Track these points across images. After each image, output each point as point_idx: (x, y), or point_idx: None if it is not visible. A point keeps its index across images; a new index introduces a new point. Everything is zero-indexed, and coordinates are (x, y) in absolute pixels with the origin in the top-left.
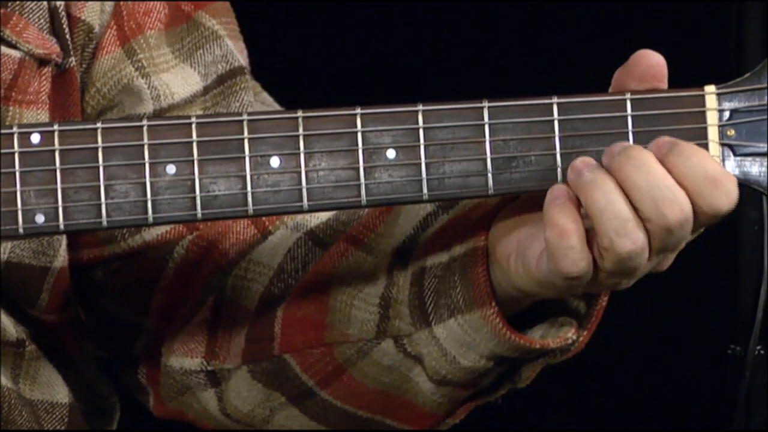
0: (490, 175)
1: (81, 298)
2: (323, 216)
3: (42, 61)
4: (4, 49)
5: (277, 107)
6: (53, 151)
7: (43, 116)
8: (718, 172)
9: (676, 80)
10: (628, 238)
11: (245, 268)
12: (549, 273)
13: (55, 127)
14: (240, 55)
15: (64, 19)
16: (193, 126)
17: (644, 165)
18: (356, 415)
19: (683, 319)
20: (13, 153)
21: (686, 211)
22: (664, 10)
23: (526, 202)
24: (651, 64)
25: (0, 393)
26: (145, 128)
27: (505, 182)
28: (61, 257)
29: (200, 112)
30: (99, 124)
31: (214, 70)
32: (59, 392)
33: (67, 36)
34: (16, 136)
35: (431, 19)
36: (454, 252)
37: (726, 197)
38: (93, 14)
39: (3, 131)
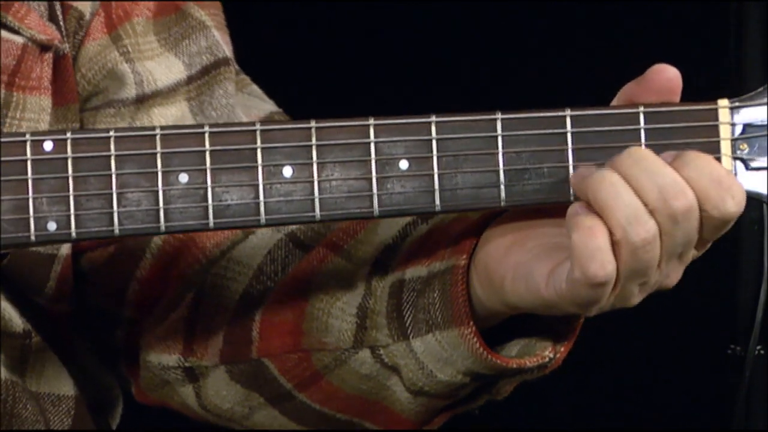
0: (502, 186)
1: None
2: None
3: (43, 47)
4: (7, 35)
5: (266, 98)
6: (66, 158)
7: (46, 102)
8: (723, 173)
9: None
10: (640, 226)
11: (225, 266)
12: (567, 288)
13: (68, 134)
14: (226, 47)
15: (58, 6)
16: (206, 135)
17: (644, 158)
18: (335, 417)
19: (683, 319)
20: (26, 160)
21: (690, 198)
22: (664, 10)
23: (520, 226)
24: (669, 77)
25: (6, 387)
26: (158, 137)
27: (518, 194)
28: (67, 244)
29: (184, 102)
30: (112, 133)
31: (199, 61)
32: (65, 384)
33: (61, 22)
34: (28, 143)
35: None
36: (433, 267)
37: (732, 198)
38: (84, 1)
39: (16, 139)
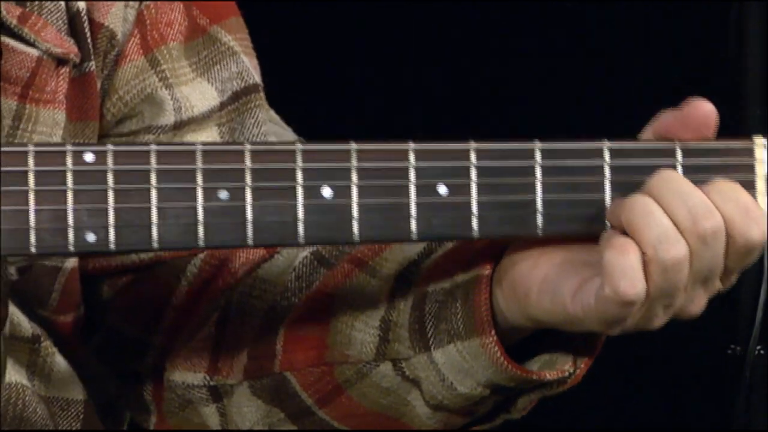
0: (539, 215)
1: (86, 315)
2: None
3: (60, 61)
4: (22, 47)
5: (284, 125)
6: (106, 170)
7: (60, 116)
8: (749, 201)
9: (676, 79)
10: (671, 245)
11: (251, 285)
12: (595, 305)
13: (109, 147)
14: (254, 72)
15: (86, 23)
16: (247, 152)
17: (675, 180)
18: None
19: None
20: (66, 171)
21: (719, 219)
22: (664, 10)
23: (548, 242)
24: (705, 113)
25: (15, 390)
26: (198, 152)
27: (554, 223)
28: (72, 258)
29: (215, 128)
30: (153, 146)
31: (230, 87)
32: (74, 389)
33: (89, 40)
34: (69, 153)
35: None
36: (456, 278)
37: (757, 227)
38: (116, 21)
39: (57, 149)
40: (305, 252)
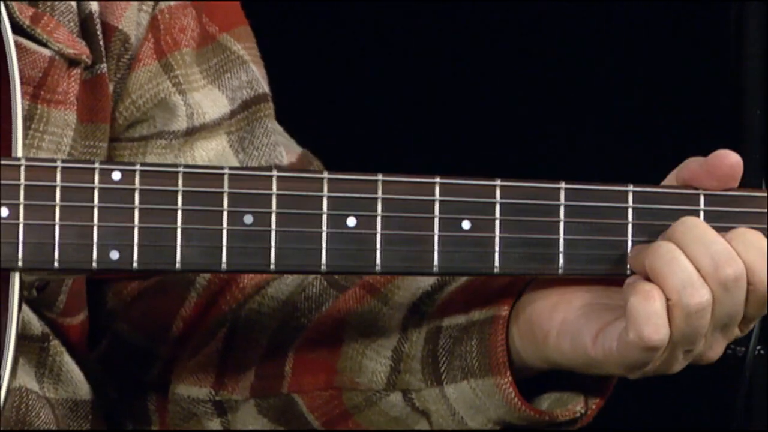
0: (561, 255)
1: (91, 321)
2: None
3: (72, 62)
4: (35, 47)
5: (288, 136)
6: (133, 189)
7: (71, 117)
8: None
9: (675, 78)
10: (695, 290)
11: (259, 302)
12: (617, 349)
13: (137, 166)
14: (263, 82)
15: (98, 25)
16: (274, 179)
17: (697, 227)
18: None
19: None
20: (93, 188)
21: (740, 266)
22: (664, 10)
23: (565, 283)
24: (731, 164)
25: (20, 394)
26: (226, 176)
27: (575, 263)
28: None
29: (225, 136)
30: (181, 168)
31: (240, 95)
32: (82, 389)
33: (101, 42)
34: (97, 171)
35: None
36: (472, 316)
37: None
38: (130, 25)
39: (85, 165)
40: None
